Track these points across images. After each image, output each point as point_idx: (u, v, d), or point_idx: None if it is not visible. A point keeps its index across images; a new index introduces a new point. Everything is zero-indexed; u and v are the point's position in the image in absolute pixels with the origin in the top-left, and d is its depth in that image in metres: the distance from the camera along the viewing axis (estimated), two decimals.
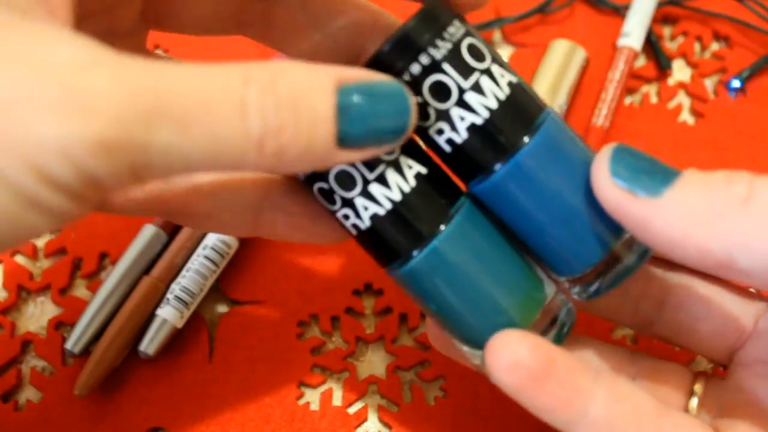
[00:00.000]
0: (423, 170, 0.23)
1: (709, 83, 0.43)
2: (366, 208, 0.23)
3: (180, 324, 0.34)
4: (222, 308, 0.36)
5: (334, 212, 0.24)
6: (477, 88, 0.23)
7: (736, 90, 0.42)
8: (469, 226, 0.24)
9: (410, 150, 0.24)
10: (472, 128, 0.23)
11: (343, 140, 0.19)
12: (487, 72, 0.23)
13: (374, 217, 0.23)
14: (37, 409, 0.34)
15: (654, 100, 0.43)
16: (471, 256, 0.24)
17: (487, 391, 0.33)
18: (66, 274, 0.37)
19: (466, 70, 0.23)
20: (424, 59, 0.22)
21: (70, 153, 0.16)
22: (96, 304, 0.34)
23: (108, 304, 0.34)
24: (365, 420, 0.33)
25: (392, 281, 0.25)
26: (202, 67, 0.18)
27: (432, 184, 0.24)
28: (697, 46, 0.45)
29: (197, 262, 0.35)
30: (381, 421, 0.33)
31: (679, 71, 0.44)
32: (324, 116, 0.19)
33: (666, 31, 0.45)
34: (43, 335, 0.36)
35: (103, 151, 0.16)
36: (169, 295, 0.34)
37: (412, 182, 0.23)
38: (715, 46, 0.45)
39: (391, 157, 0.23)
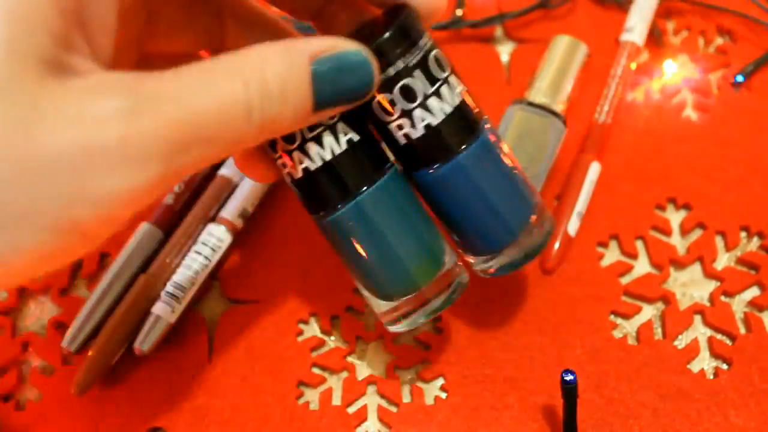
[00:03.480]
0: (356, 137, 0.26)
1: (713, 78, 0.43)
2: (301, 162, 0.27)
3: (172, 319, 0.34)
4: (221, 307, 0.36)
5: (274, 159, 0.28)
6: (438, 95, 0.26)
7: (740, 85, 0.42)
8: (389, 191, 0.28)
9: (349, 118, 0.26)
10: (429, 129, 0.27)
11: (317, 107, 0.23)
12: (446, 81, 0.27)
13: (306, 170, 0.27)
14: (38, 408, 0.34)
15: (657, 95, 0.42)
16: (387, 215, 0.28)
17: (487, 391, 0.33)
18: (66, 275, 0.37)
19: (432, 79, 0.26)
20: (401, 63, 0.26)
21: (132, 199, 0.19)
22: (92, 302, 0.34)
23: (104, 303, 0.34)
24: (365, 420, 0.33)
25: None
26: (211, 77, 0.20)
27: (362, 151, 0.27)
28: (701, 41, 0.44)
29: (187, 257, 0.35)
30: (380, 420, 0.33)
31: (683, 66, 0.43)
32: (304, 96, 0.22)
33: (669, 25, 0.45)
34: (43, 335, 0.36)
35: (154, 187, 0.19)
36: (160, 291, 0.34)
37: (344, 146, 0.26)
38: (719, 41, 0.44)
39: (331, 122, 0.26)
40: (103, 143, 0.18)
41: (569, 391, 0.30)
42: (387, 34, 0.25)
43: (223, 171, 0.38)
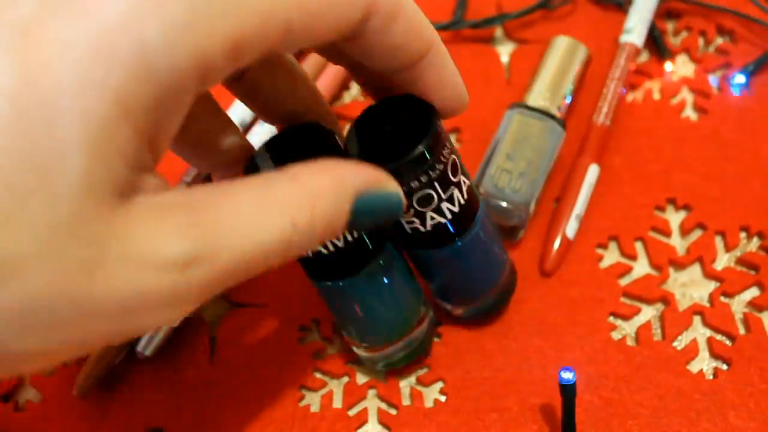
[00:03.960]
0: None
1: (713, 79, 0.43)
2: None
3: (175, 322, 0.34)
4: (223, 310, 0.36)
5: None
6: (450, 199, 0.28)
7: (740, 85, 0.42)
8: (387, 265, 0.30)
9: None
10: (437, 225, 0.28)
11: (349, 229, 0.24)
12: (458, 185, 0.28)
13: (306, 254, 0.28)
14: (37, 409, 0.34)
15: (657, 96, 0.42)
16: (383, 285, 0.30)
17: (486, 394, 0.33)
18: None
19: (446, 186, 0.27)
20: (424, 178, 0.27)
21: (161, 326, 0.21)
22: None
23: None
24: (365, 422, 0.33)
25: None
26: (264, 208, 0.21)
27: (365, 238, 0.28)
28: (701, 41, 0.44)
29: None
30: (381, 423, 0.33)
31: (683, 67, 0.43)
32: (340, 228, 0.23)
33: (669, 26, 0.45)
34: None
35: (182, 316, 0.21)
36: None
37: (350, 239, 0.28)
38: (719, 41, 0.44)
39: None
40: (155, 291, 0.19)
41: (566, 389, 0.30)
42: (417, 152, 0.26)
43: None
